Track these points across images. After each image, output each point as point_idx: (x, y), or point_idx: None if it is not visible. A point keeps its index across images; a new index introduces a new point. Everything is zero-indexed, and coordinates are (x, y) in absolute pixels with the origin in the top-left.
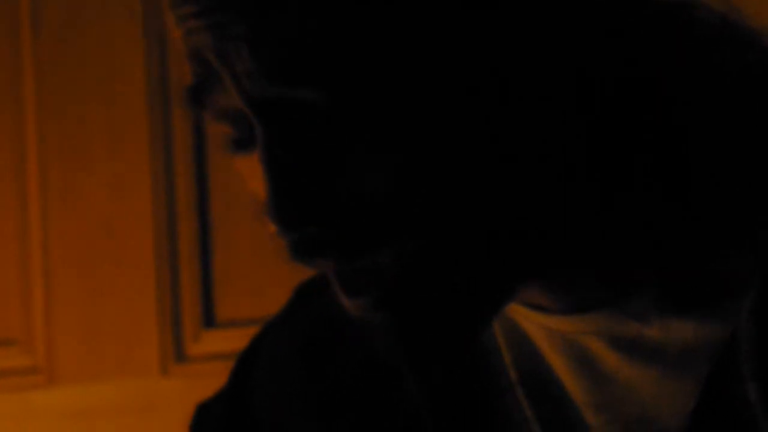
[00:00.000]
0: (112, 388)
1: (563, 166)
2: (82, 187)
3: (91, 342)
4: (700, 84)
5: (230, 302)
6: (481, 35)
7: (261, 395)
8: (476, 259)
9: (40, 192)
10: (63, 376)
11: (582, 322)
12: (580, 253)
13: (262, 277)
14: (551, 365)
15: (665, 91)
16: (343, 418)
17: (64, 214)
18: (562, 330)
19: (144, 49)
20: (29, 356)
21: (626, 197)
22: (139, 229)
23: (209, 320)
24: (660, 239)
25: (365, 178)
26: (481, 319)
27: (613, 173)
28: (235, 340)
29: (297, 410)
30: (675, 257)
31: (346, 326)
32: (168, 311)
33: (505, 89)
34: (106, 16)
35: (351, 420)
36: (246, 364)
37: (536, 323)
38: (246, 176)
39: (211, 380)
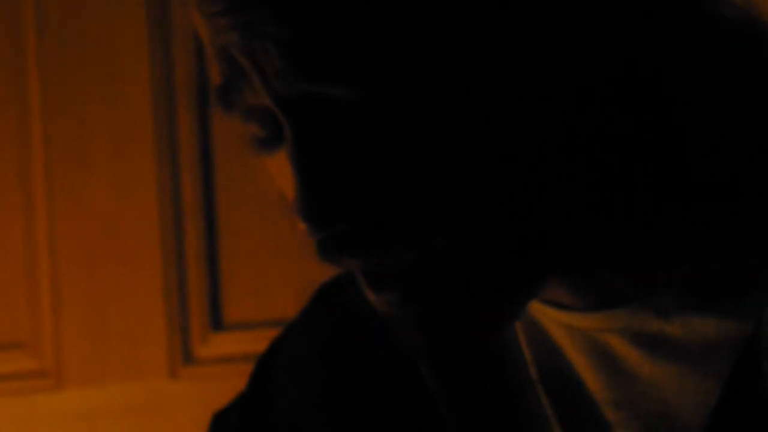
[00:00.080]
0: (120, 391)
1: (575, 165)
2: (88, 188)
3: (98, 345)
4: (702, 83)
5: (238, 304)
6: (492, 35)
7: (281, 398)
8: (502, 253)
9: (46, 193)
10: (70, 379)
11: (604, 319)
12: (604, 251)
13: (269, 279)
14: (572, 362)
15: (665, 90)
16: (365, 420)
17: (69, 216)
18: (583, 327)
19: (148, 49)
20: (36, 359)
21: (644, 196)
22: (145, 231)
23: (217, 322)
24: (683, 236)
25: (393, 175)
26: (506, 314)
27: (628, 171)
28: (243, 343)
29: (318, 413)
30: (698, 253)
31: (366, 328)
32: (175, 313)
33: (517, 88)
34: (110, 16)
35: (372, 422)
36: (266, 367)
37: (557, 321)
38: (274, 175)
39: (219, 382)
